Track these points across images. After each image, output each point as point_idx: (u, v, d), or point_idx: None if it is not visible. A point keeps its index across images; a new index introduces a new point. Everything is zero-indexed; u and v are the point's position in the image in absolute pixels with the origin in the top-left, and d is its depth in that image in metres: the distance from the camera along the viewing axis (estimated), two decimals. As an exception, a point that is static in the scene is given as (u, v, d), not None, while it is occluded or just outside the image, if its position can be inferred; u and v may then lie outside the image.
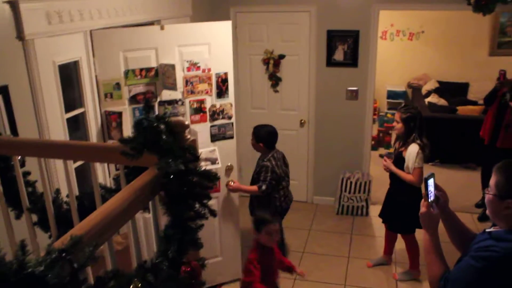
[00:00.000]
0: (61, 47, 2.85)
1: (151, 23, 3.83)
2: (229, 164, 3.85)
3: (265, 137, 3.97)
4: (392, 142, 7.34)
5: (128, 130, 3.27)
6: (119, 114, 3.35)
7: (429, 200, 1.97)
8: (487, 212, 1.91)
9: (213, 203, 3.77)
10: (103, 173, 3.24)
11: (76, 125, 3.22)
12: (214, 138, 3.73)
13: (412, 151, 3.73)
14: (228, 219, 3.98)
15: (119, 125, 3.36)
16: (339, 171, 5.46)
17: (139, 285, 1.15)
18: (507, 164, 1.84)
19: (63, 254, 0.97)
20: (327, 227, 5.20)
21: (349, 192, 5.35)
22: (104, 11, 3.18)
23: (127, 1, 3.43)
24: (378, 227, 5.10)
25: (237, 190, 3.91)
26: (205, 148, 3.63)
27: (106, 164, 3.26)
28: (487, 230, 1.90)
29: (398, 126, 3.87)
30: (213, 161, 3.66)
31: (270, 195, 3.94)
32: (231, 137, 3.81)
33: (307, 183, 5.69)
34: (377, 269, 4.41)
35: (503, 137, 4.89)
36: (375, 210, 5.45)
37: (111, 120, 3.33)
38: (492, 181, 1.84)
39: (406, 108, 3.91)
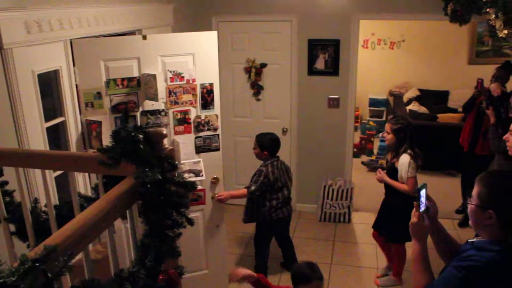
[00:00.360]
0: (41, 56, 2.85)
1: (132, 33, 3.84)
2: (215, 177, 3.78)
3: (269, 145, 4.04)
4: (375, 150, 7.45)
5: (108, 140, 3.26)
6: (99, 124, 3.34)
7: (421, 211, 1.97)
8: (470, 222, 1.91)
9: (198, 215, 3.77)
10: (84, 182, 3.23)
11: (56, 134, 3.20)
12: (199, 149, 3.67)
13: (404, 161, 3.77)
14: (213, 232, 3.91)
15: (99, 134, 3.35)
16: (321, 178, 5.50)
17: (116, 293, 1.16)
18: (489, 175, 1.88)
19: (37, 264, 0.98)
20: (309, 234, 5.22)
21: (331, 199, 5.38)
22: (84, 20, 3.18)
23: (107, 11, 3.44)
24: (360, 234, 5.15)
25: (228, 198, 3.89)
26: (189, 160, 3.58)
27: (86, 177, 3.26)
28: (470, 240, 1.91)
29: (389, 137, 3.91)
30: (197, 173, 3.60)
31: (259, 202, 3.97)
32: (217, 149, 3.74)
33: (289, 191, 5.70)
34: (360, 275, 4.45)
35: (482, 144, 4.97)
36: (357, 217, 5.52)
37: (91, 129, 3.32)
38: (475, 191, 1.86)
39: (396, 119, 3.94)
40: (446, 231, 2.13)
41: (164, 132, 1.68)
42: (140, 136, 1.62)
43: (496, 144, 3.99)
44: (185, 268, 1.63)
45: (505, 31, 2.47)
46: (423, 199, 1.99)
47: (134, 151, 1.58)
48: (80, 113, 3.29)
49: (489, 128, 4.23)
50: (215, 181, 3.80)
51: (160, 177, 1.49)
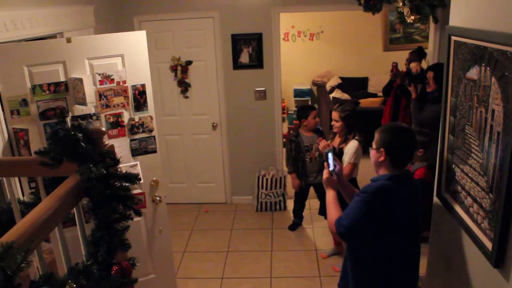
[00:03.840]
0: (-41, 64, 2.73)
1: (53, 36, 3.75)
2: (154, 179, 3.69)
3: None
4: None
5: (36, 147, 3.15)
6: (27, 131, 3.24)
7: (330, 169, 2.59)
8: (374, 167, 2.47)
9: (139, 219, 3.64)
10: (16, 191, 3.13)
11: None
12: (135, 152, 3.58)
13: (352, 146, 3.94)
14: (157, 235, 3.83)
15: (27, 142, 3.25)
16: (255, 169, 5.63)
17: (74, 285, 1.19)
18: (382, 126, 2.50)
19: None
20: (248, 225, 5.34)
21: (266, 189, 5.53)
22: (1, 24, 3.08)
23: (25, 14, 3.34)
24: (294, 219, 5.33)
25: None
26: (125, 164, 3.44)
27: (17, 183, 3.16)
28: (370, 178, 2.45)
29: (338, 124, 4.04)
30: None
31: None
32: (154, 151, 3.66)
33: (224, 185, 5.80)
34: (300, 258, 4.62)
35: (402, 119, 5.31)
36: (292, 204, 5.68)
37: (18, 138, 3.22)
38: (374, 141, 2.45)
39: (342, 107, 4.07)
40: (351, 186, 2.75)
41: (103, 129, 1.71)
42: (80, 134, 1.64)
43: (416, 116, 4.41)
44: (136, 260, 1.67)
45: (412, 17, 2.69)
46: (330, 161, 2.61)
47: (75, 149, 1.59)
48: (6, 122, 3.18)
49: (410, 103, 4.58)
50: (154, 184, 3.71)
51: (105, 172, 1.52)
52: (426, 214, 3.78)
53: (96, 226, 1.50)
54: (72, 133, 1.63)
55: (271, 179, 5.51)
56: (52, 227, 1.37)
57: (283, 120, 6.68)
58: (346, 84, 8.58)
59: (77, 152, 1.60)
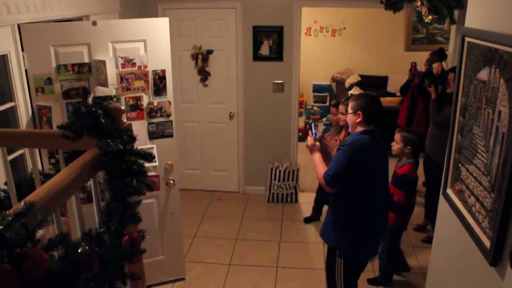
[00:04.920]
0: (-12, 41, 2.85)
1: (79, 19, 3.87)
2: (169, 163, 3.80)
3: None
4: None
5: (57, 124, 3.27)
6: (50, 109, 3.37)
7: (314, 137, 3.18)
8: (349, 129, 3.13)
9: (152, 201, 3.82)
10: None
11: (6, 119, 3.22)
12: (152, 136, 3.69)
13: None
14: (169, 218, 3.94)
15: (50, 119, 3.38)
16: (269, 161, 5.71)
17: (86, 247, 1.29)
18: (355, 96, 3.18)
19: (18, 217, 1.10)
20: (258, 215, 5.43)
21: (279, 181, 5.61)
22: (31, 5, 3.20)
23: (55, -4, 3.46)
24: (307, 213, 5.40)
25: None
26: (142, 146, 3.56)
27: (38, 156, 3.28)
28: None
29: (344, 117, 4.11)
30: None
31: None
32: (171, 136, 3.76)
33: (238, 174, 5.90)
34: (307, 249, 4.70)
35: (417, 122, 5.33)
36: (303, 197, 5.77)
37: (42, 115, 3.35)
38: (349, 107, 3.06)
39: (349, 101, 4.13)
40: (330, 152, 3.21)
41: (123, 107, 1.80)
42: (100, 111, 1.74)
43: (434, 117, 4.48)
44: (145, 232, 1.77)
45: (430, 17, 2.73)
46: (313, 130, 3.21)
47: (95, 125, 1.69)
48: (31, 99, 3.31)
49: (429, 103, 4.62)
50: (169, 168, 3.82)
51: (122, 147, 1.62)
52: (410, 209, 3.94)
53: (111, 198, 1.60)
54: (93, 109, 1.73)
55: (284, 171, 5.59)
56: (70, 193, 1.47)
57: (300, 114, 6.74)
58: (366, 82, 8.59)
59: (97, 128, 1.70)
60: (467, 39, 2.42)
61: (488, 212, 2.15)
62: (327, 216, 3.21)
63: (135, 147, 1.75)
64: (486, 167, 2.18)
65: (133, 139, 1.73)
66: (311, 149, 3.17)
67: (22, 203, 1.15)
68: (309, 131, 3.23)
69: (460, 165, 2.53)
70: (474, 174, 2.33)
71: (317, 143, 3.17)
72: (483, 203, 2.21)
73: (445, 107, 4.45)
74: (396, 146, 3.86)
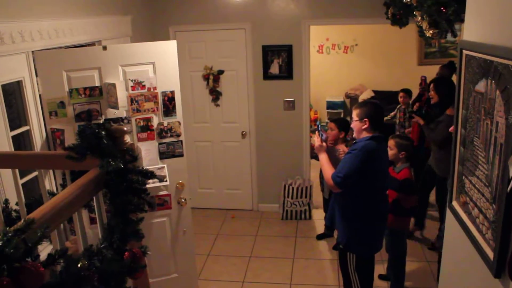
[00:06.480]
0: (3, 67, 2.97)
1: (92, 44, 4.00)
2: (180, 182, 3.85)
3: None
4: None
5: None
6: (63, 131, 3.47)
7: (322, 138, 3.34)
8: (354, 134, 3.31)
9: (164, 220, 3.87)
10: (49, 184, 3.35)
11: (21, 142, 3.33)
12: (163, 156, 3.75)
13: None
14: (181, 236, 3.97)
15: (63, 142, 3.48)
16: (282, 178, 5.74)
17: (86, 263, 1.34)
18: (358, 104, 3.37)
19: (18, 233, 1.16)
20: (272, 232, 5.45)
21: (292, 198, 5.63)
22: (45, 32, 3.33)
23: (67, 23, 3.59)
24: (321, 229, 5.40)
25: None
26: (153, 166, 3.63)
27: (52, 177, 3.38)
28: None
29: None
30: (161, 179, 3.68)
31: None
32: (181, 155, 3.82)
33: (252, 192, 5.93)
34: (321, 266, 4.69)
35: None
36: (317, 214, 5.77)
37: (55, 137, 3.46)
38: (354, 114, 3.26)
39: None
40: (336, 154, 3.69)
41: (125, 128, 1.87)
42: (103, 132, 1.81)
43: (432, 139, 4.70)
44: (148, 248, 1.82)
45: (431, 31, 2.77)
46: (321, 131, 3.39)
47: (98, 145, 1.76)
48: (45, 122, 3.41)
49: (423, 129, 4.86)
50: (180, 187, 3.86)
51: (122, 166, 1.68)
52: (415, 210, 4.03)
53: (112, 215, 1.66)
54: (97, 131, 1.80)
55: (297, 188, 5.61)
56: (72, 211, 1.54)
57: (314, 131, 6.76)
58: (379, 97, 8.57)
59: (100, 148, 1.77)
60: (464, 51, 2.44)
61: (490, 224, 2.15)
62: (332, 209, 3.56)
63: (138, 166, 1.81)
64: (487, 178, 2.19)
65: (134, 158, 1.80)
66: (318, 150, 3.36)
67: (22, 220, 1.22)
68: (316, 132, 3.42)
69: (463, 177, 2.54)
70: (476, 185, 2.33)
71: (324, 144, 3.37)
72: (486, 214, 2.21)
73: (436, 126, 4.56)
74: (390, 152, 3.92)
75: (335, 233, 5.08)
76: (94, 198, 1.74)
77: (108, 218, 1.66)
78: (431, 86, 4.71)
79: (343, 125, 4.60)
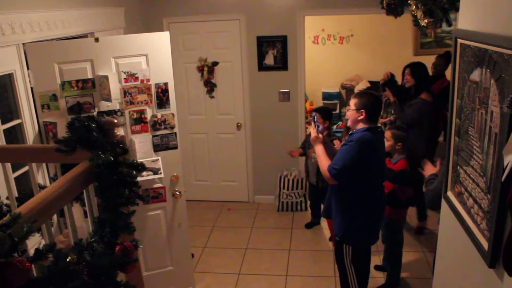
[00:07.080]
0: (-6, 60, 2.94)
1: (84, 36, 3.95)
2: (174, 174, 3.83)
3: None
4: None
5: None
6: (55, 125, 3.44)
7: (318, 129, 3.35)
8: (349, 123, 3.28)
9: (159, 213, 3.86)
10: (43, 177, 3.32)
11: (14, 136, 3.29)
12: (157, 148, 3.72)
13: None
14: (176, 229, 3.96)
15: (55, 135, 3.45)
16: (277, 170, 5.73)
17: (75, 257, 1.32)
18: (356, 93, 3.35)
19: (3, 228, 1.14)
20: (268, 224, 5.44)
21: (288, 189, 5.62)
22: (36, 24, 3.29)
23: (59, 15, 3.54)
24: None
25: None
26: (147, 158, 3.61)
27: (45, 170, 3.36)
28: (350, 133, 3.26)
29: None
30: (156, 171, 3.67)
31: None
32: (175, 147, 3.79)
33: (247, 184, 5.92)
34: (318, 258, 4.69)
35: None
36: (312, 205, 5.76)
37: (48, 130, 3.42)
38: (352, 103, 3.25)
39: None
40: (331, 145, 3.60)
41: (115, 121, 1.85)
42: (93, 125, 1.78)
43: (400, 117, 4.80)
44: (139, 242, 1.80)
45: (426, 20, 2.74)
46: (317, 122, 3.43)
47: (88, 138, 1.74)
48: (37, 115, 3.38)
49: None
50: (174, 179, 3.84)
51: (112, 159, 1.66)
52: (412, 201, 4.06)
53: (102, 208, 1.64)
54: (86, 123, 1.78)
55: (293, 180, 5.60)
56: (61, 204, 1.52)
57: (310, 123, 6.75)
58: (375, 88, 8.53)
59: (90, 141, 1.74)
60: (459, 40, 2.42)
61: (485, 214, 2.14)
62: (329, 201, 3.49)
63: (130, 159, 1.78)
64: (482, 168, 2.17)
65: (125, 151, 1.77)
66: (314, 141, 3.36)
67: (8, 215, 1.20)
68: (312, 123, 3.43)
69: (458, 167, 2.52)
70: (471, 175, 2.32)
71: (320, 135, 3.35)
72: (480, 204, 2.20)
73: (406, 106, 4.75)
74: (387, 143, 3.91)
75: (324, 222, 5.14)
76: (84, 191, 1.72)
77: (99, 212, 1.64)
78: (406, 70, 4.96)
79: (327, 114, 4.67)
